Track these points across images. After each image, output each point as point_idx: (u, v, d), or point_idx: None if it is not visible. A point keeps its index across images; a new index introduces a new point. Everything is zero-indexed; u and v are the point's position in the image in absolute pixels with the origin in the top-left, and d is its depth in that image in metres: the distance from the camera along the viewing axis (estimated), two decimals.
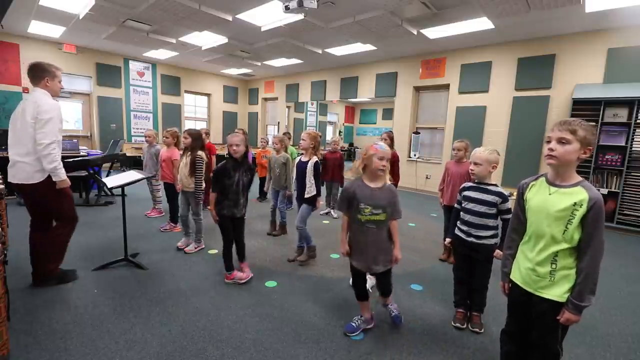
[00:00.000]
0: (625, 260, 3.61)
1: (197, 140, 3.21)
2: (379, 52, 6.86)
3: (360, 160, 1.91)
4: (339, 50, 6.93)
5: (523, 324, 1.44)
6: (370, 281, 2.60)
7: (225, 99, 11.15)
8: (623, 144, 4.54)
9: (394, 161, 3.54)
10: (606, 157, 4.68)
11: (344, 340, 1.98)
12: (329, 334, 2.04)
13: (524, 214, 1.41)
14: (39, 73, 2.32)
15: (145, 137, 4.38)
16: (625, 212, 4.64)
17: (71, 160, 4.69)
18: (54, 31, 6.54)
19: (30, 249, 2.44)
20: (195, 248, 3.29)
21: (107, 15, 5.28)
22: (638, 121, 4.44)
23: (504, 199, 2.01)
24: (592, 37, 5.05)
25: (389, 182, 1.95)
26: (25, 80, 7.11)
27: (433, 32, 5.46)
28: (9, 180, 2.31)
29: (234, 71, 9.96)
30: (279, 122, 10.67)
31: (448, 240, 2.27)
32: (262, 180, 5.27)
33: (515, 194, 1.49)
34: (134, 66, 8.85)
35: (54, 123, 2.23)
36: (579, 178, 1.28)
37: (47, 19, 5.82)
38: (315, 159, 3.00)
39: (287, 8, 4.19)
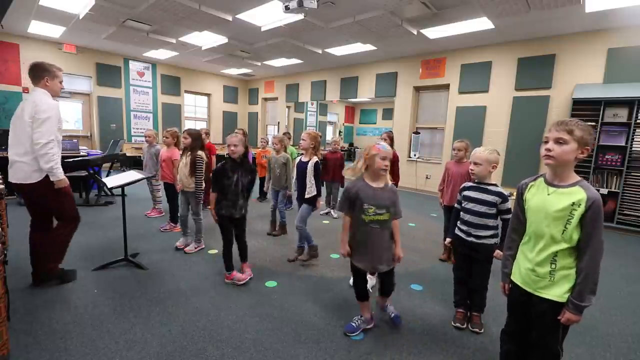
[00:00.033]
0: (625, 260, 3.61)
1: (197, 140, 3.21)
2: (379, 52, 6.86)
3: (362, 161, 1.90)
4: (339, 50, 6.93)
5: (523, 324, 1.44)
6: (371, 281, 2.61)
7: (225, 99, 11.16)
8: (623, 144, 4.55)
9: (394, 161, 3.54)
10: (606, 157, 4.69)
11: (344, 340, 1.98)
12: (329, 334, 2.04)
13: (524, 215, 1.41)
14: (39, 73, 2.32)
15: (145, 137, 4.38)
16: (625, 212, 4.64)
17: (71, 160, 4.69)
18: (54, 31, 6.54)
19: (30, 249, 2.43)
20: (195, 248, 3.29)
21: (107, 15, 5.28)
22: (638, 121, 4.45)
23: (504, 199, 2.01)
24: (592, 37, 5.05)
25: (390, 182, 1.96)
26: (25, 80, 7.12)
27: (433, 32, 5.46)
28: (9, 180, 2.31)
29: (234, 71, 9.96)
30: (279, 122, 10.67)
31: (448, 240, 2.27)
32: (262, 180, 5.27)
33: (515, 194, 1.49)
34: (134, 66, 8.85)
35: (51, 122, 2.22)
36: (577, 178, 1.28)
37: (47, 19, 5.83)
38: (315, 159, 3.00)
39: (287, 8, 4.19)
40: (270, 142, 4.78)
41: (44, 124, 2.18)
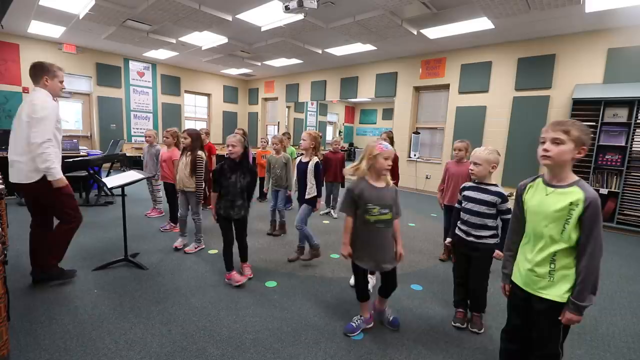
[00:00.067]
0: (625, 260, 3.61)
1: (197, 140, 3.21)
2: (379, 52, 6.86)
3: (366, 160, 1.89)
4: (339, 50, 6.93)
5: (523, 324, 1.44)
6: (371, 281, 2.61)
7: (225, 99, 11.16)
8: (623, 144, 4.55)
9: (394, 161, 3.54)
10: (606, 157, 4.69)
11: (344, 340, 1.98)
12: (329, 334, 2.04)
13: (523, 216, 1.41)
14: (39, 72, 2.31)
15: (146, 137, 4.38)
16: (625, 212, 4.64)
17: (71, 160, 4.69)
18: (54, 31, 6.54)
19: (30, 247, 2.44)
20: (195, 248, 3.29)
21: (107, 15, 5.28)
22: (638, 121, 4.45)
23: (504, 199, 2.01)
24: (592, 37, 5.05)
25: (391, 182, 1.97)
26: (25, 80, 7.12)
27: (433, 32, 5.46)
28: (9, 180, 2.31)
29: (234, 71, 9.96)
30: (279, 122, 10.67)
31: (448, 240, 2.27)
32: (262, 181, 5.27)
33: (515, 194, 1.49)
34: (134, 66, 8.85)
35: (47, 122, 2.20)
36: (575, 178, 1.28)
37: (47, 19, 5.83)
38: (315, 159, 2.98)
39: (287, 8, 4.19)
40: (270, 142, 4.78)
41: (40, 123, 2.17)
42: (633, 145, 4.51)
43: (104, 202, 5.04)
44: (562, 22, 4.81)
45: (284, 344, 1.92)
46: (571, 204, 1.23)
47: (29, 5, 5.17)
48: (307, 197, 2.96)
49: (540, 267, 1.32)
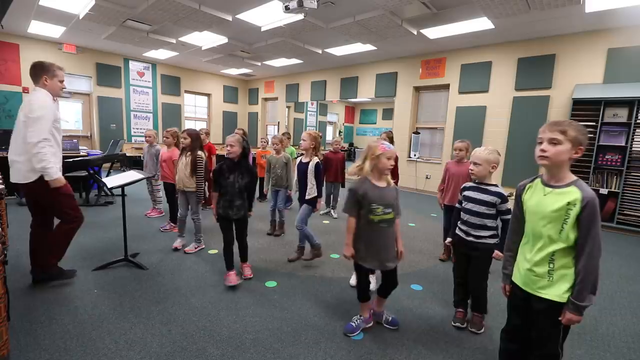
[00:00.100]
0: (625, 260, 3.61)
1: (197, 140, 3.22)
2: (379, 52, 6.86)
3: (369, 161, 1.90)
4: (339, 50, 6.93)
5: (523, 323, 1.44)
6: (372, 282, 2.61)
7: (225, 99, 11.16)
8: (623, 144, 4.55)
9: (395, 161, 3.54)
10: (606, 157, 4.69)
11: (344, 340, 1.98)
12: (329, 334, 2.04)
13: (522, 216, 1.42)
14: (38, 72, 2.30)
15: (145, 137, 4.38)
16: (625, 212, 4.64)
17: (71, 160, 4.69)
18: (54, 31, 6.54)
19: (30, 247, 2.44)
20: (195, 248, 3.29)
21: (107, 15, 5.28)
22: (638, 121, 4.45)
23: (503, 199, 2.01)
24: (592, 37, 5.05)
25: (392, 181, 1.98)
26: (25, 80, 7.12)
27: (433, 32, 5.46)
28: (10, 180, 2.31)
29: (234, 71, 9.96)
30: (279, 122, 10.67)
31: (449, 240, 2.27)
32: (261, 181, 5.27)
33: (514, 194, 1.50)
34: (134, 66, 8.85)
35: (43, 122, 2.18)
36: (573, 178, 1.29)
37: (47, 19, 5.83)
38: (316, 159, 2.97)
39: (287, 8, 4.19)
40: (270, 143, 4.78)
41: (36, 123, 2.16)
42: (633, 145, 4.51)
43: (104, 202, 5.04)
44: (562, 22, 4.81)
45: (284, 344, 1.92)
46: (569, 203, 1.23)
47: (29, 5, 5.17)
48: (307, 197, 2.95)
49: (539, 267, 1.32)
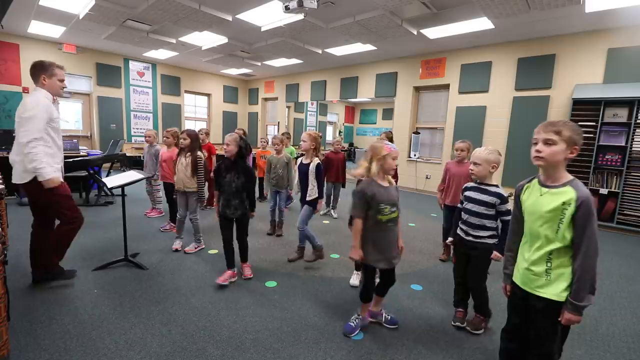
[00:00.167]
0: (625, 260, 3.61)
1: (196, 141, 3.25)
2: (379, 52, 6.86)
3: (376, 161, 1.89)
4: (339, 50, 6.92)
5: (522, 323, 1.44)
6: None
7: (225, 99, 11.15)
8: (623, 144, 4.55)
9: None
10: (606, 157, 4.69)
11: (344, 340, 1.98)
12: (329, 334, 2.04)
13: (522, 216, 1.42)
14: (36, 72, 2.28)
15: (145, 137, 4.38)
16: (625, 212, 4.64)
17: (71, 160, 4.69)
18: (54, 31, 6.53)
19: (31, 247, 2.43)
20: (195, 248, 3.29)
21: (107, 15, 5.28)
22: (638, 121, 4.45)
23: (503, 200, 2.00)
24: (592, 37, 5.05)
25: (393, 181, 2.00)
26: (26, 80, 7.13)
27: (433, 32, 5.46)
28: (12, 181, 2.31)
29: (234, 71, 9.96)
30: (279, 122, 10.68)
31: (450, 239, 2.27)
32: (261, 180, 5.27)
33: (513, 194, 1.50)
34: (134, 66, 8.85)
35: (35, 121, 2.14)
36: (569, 177, 1.29)
37: (47, 19, 5.82)
38: (317, 160, 2.95)
39: (287, 8, 4.19)
40: (270, 143, 4.78)
41: (27, 122, 2.13)
42: (633, 145, 4.51)
43: (104, 202, 5.04)
44: (562, 22, 4.81)
45: (284, 344, 1.92)
46: (564, 203, 1.24)
47: (29, 5, 5.17)
48: (308, 198, 2.95)
49: (536, 266, 1.33)
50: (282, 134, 5.35)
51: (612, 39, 4.88)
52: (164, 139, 3.86)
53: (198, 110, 10.80)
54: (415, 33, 5.39)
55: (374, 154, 1.89)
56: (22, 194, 4.71)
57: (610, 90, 4.72)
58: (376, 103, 13.83)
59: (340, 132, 14.43)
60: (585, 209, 1.21)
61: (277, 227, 3.96)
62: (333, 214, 4.92)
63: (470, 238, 2.07)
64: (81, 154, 5.69)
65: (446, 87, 6.80)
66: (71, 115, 8.22)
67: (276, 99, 10.70)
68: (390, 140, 3.97)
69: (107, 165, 6.13)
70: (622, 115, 4.57)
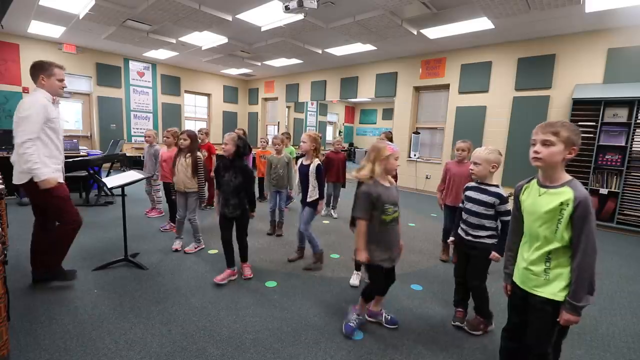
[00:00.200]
0: (625, 260, 3.61)
1: (196, 141, 3.28)
2: (379, 52, 6.86)
3: (379, 162, 1.89)
4: (339, 50, 6.92)
5: (522, 322, 1.45)
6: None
7: (225, 99, 11.15)
8: (623, 144, 4.55)
9: None
10: (606, 157, 4.69)
11: (344, 341, 1.98)
12: (329, 334, 2.04)
13: (521, 216, 1.43)
14: (35, 72, 2.26)
15: (145, 137, 4.39)
16: (625, 212, 4.64)
17: (71, 160, 4.69)
18: (54, 31, 6.53)
19: (31, 247, 2.43)
20: (195, 248, 3.29)
21: (107, 15, 5.28)
22: (638, 121, 4.44)
23: (502, 200, 2.00)
24: (592, 37, 5.05)
25: (393, 181, 2.01)
26: (26, 80, 7.13)
27: (433, 32, 5.46)
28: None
29: (234, 71, 9.96)
30: (279, 122, 10.68)
31: (451, 238, 2.27)
32: (261, 180, 5.27)
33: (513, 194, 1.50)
34: (134, 66, 8.85)
35: (30, 121, 2.11)
36: (567, 178, 1.29)
37: (47, 19, 5.82)
38: (317, 161, 2.93)
39: (287, 8, 4.19)
40: (270, 143, 4.78)
41: (22, 123, 2.11)
42: (633, 145, 4.51)
43: (104, 202, 5.04)
44: (562, 22, 4.81)
45: (284, 344, 1.92)
46: (561, 204, 1.24)
47: (29, 5, 5.17)
48: (309, 200, 2.93)
49: (535, 266, 1.33)
50: (282, 134, 5.35)
51: (612, 39, 4.88)
52: (164, 139, 3.86)
53: (198, 110, 10.80)
54: (415, 33, 5.39)
55: (378, 155, 1.89)
56: (22, 194, 4.71)
57: (610, 90, 4.72)
58: (376, 103, 13.84)
59: (340, 132, 14.42)
60: (582, 209, 1.21)
61: (277, 227, 3.96)
62: (333, 214, 4.92)
63: (469, 238, 2.07)
64: (81, 154, 5.69)
65: (446, 87, 6.80)
66: (71, 115, 8.22)
67: (276, 99, 10.70)
68: (390, 140, 3.97)
69: (107, 165, 6.13)
70: (622, 115, 4.57)
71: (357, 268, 2.79)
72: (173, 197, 3.40)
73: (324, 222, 4.63)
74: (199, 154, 3.24)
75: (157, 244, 3.44)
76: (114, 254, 3.03)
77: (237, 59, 8.00)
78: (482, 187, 2.07)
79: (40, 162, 2.15)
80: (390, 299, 2.38)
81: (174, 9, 4.80)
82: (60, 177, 2.34)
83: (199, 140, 3.90)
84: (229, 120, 11.27)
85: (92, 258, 2.98)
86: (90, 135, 8.50)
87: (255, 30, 5.74)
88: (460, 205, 2.22)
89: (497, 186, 2.06)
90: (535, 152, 1.30)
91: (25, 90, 7.17)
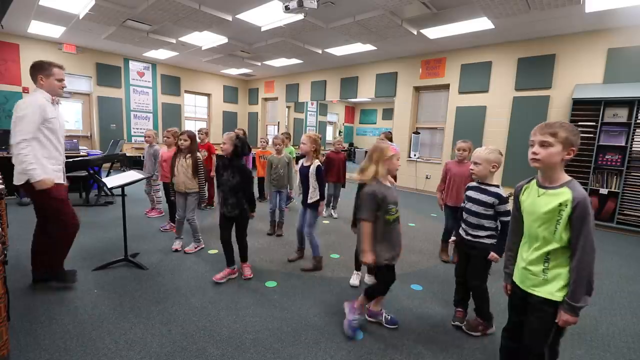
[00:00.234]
0: (625, 260, 3.61)
1: (196, 142, 3.29)
2: (379, 52, 6.86)
3: (382, 163, 1.89)
4: (339, 50, 6.92)
5: (521, 321, 1.45)
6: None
7: (225, 99, 11.15)
8: (623, 144, 4.55)
9: None
10: (606, 157, 4.68)
11: (344, 341, 1.98)
12: (329, 334, 2.04)
13: (521, 216, 1.43)
14: (34, 72, 2.25)
15: (145, 137, 4.39)
16: (625, 212, 4.63)
17: (71, 160, 4.69)
18: (54, 31, 6.53)
19: (32, 247, 2.42)
20: (195, 248, 3.29)
21: (107, 15, 5.28)
22: (638, 121, 4.44)
23: (502, 200, 2.00)
24: (592, 37, 5.05)
25: (393, 181, 2.02)
26: (25, 80, 7.13)
27: (433, 32, 5.46)
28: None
29: (234, 71, 9.96)
30: (279, 122, 10.68)
31: (453, 238, 2.27)
32: (260, 181, 5.27)
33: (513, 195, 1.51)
34: (134, 66, 8.85)
35: (26, 122, 2.09)
36: (566, 178, 1.29)
37: (47, 19, 5.82)
38: (317, 162, 2.92)
39: (287, 8, 4.19)
40: (270, 143, 4.77)
41: (18, 123, 2.09)
42: (633, 145, 4.51)
43: (104, 202, 5.04)
44: (562, 22, 4.80)
45: (284, 344, 1.92)
46: (560, 204, 1.24)
47: (29, 5, 5.17)
48: (309, 201, 2.92)
49: (534, 266, 1.34)
50: (282, 134, 5.35)
51: (612, 39, 4.88)
52: (165, 138, 3.86)
53: (198, 110, 10.80)
54: (415, 33, 5.39)
55: (381, 155, 1.89)
56: (22, 194, 4.71)
57: (610, 90, 4.72)
58: (376, 103, 13.84)
59: (340, 132, 14.42)
60: (581, 209, 1.21)
61: (277, 227, 3.96)
62: (333, 214, 4.92)
63: (469, 237, 2.08)
64: (81, 154, 5.69)
65: (446, 87, 6.80)
66: (71, 115, 8.21)
67: (276, 99, 10.70)
68: (390, 140, 3.97)
69: (107, 165, 6.13)
70: (622, 115, 4.57)
71: (357, 268, 2.79)
72: (172, 197, 3.40)
73: (324, 222, 4.62)
74: (198, 154, 3.24)
75: (157, 244, 3.44)
76: (114, 254, 3.03)
77: (237, 59, 8.00)
78: (482, 187, 2.07)
79: (36, 163, 2.13)
80: (390, 299, 2.38)
81: (174, 9, 4.80)
82: (60, 178, 2.33)
83: (199, 140, 3.90)
84: (229, 120, 11.27)
85: (92, 258, 2.98)
86: (90, 135, 8.50)
87: (255, 30, 5.74)
88: (462, 204, 2.22)
89: (497, 186, 2.06)
90: (534, 153, 1.30)
91: (25, 90, 7.17)
